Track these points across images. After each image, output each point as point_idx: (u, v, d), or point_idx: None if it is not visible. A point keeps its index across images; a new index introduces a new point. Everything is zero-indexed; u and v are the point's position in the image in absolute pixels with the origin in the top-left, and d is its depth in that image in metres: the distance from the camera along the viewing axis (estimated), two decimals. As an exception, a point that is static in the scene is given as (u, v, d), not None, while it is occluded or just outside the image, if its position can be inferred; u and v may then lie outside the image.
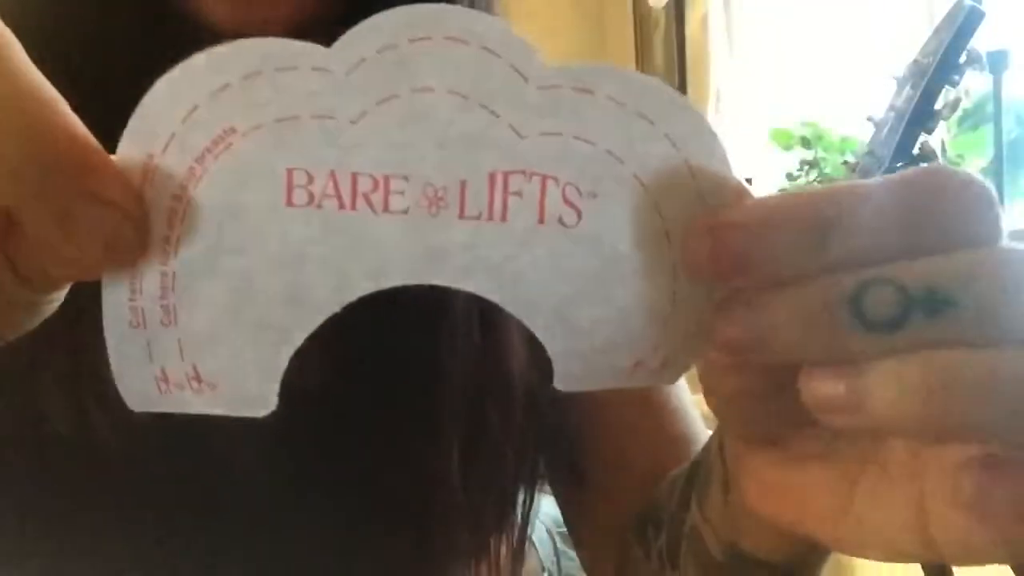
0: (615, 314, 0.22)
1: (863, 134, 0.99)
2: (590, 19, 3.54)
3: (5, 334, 0.23)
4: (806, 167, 1.68)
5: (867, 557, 0.23)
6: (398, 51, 0.20)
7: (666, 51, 2.76)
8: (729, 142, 1.98)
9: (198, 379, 0.22)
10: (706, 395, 0.25)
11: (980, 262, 0.19)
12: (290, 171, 0.20)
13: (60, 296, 0.22)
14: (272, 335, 0.21)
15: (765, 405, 0.23)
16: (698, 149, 0.21)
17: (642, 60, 3.01)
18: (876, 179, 0.19)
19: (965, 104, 1.34)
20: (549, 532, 1.39)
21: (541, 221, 0.21)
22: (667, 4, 2.64)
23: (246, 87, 0.20)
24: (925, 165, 0.23)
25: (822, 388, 0.19)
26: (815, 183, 1.67)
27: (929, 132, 0.81)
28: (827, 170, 1.64)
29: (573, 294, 0.22)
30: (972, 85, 1.31)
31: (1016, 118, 1.31)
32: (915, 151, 0.81)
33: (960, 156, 1.36)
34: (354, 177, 0.20)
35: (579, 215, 0.21)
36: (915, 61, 0.83)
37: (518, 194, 0.21)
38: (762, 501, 0.25)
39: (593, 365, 0.23)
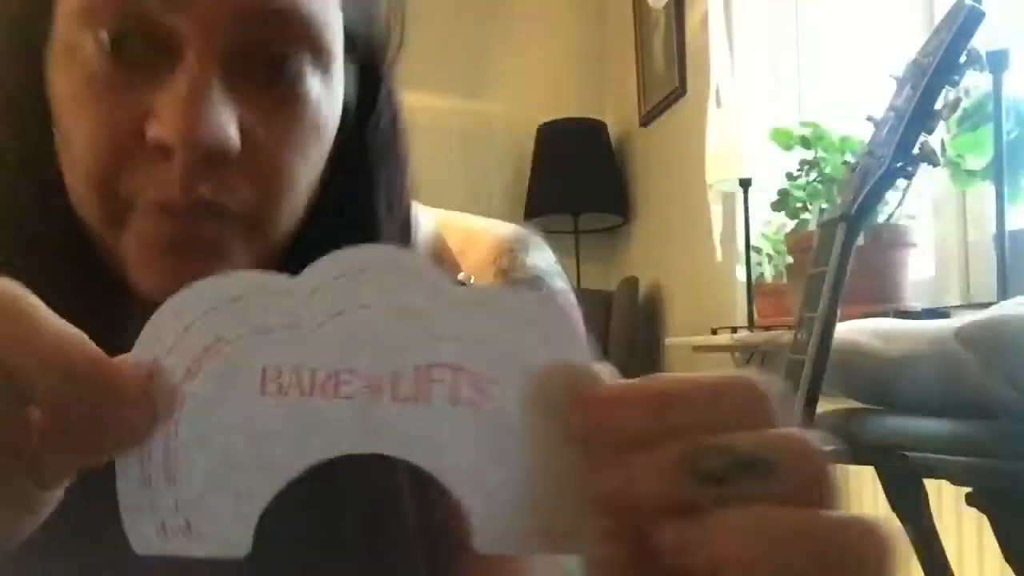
0: (521, 476, 0.28)
1: (863, 134, 0.99)
2: (590, 19, 3.54)
3: (9, 543, 0.29)
4: (806, 167, 1.68)
5: None
6: (347, 278, 0.28)
7: (666, 51, 2.76)
8: (729, 142, 1.98)
9: (189, 529, 0.28)
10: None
11: (784, 436, 0.26)
12: (264, 368, 0.28)
13: (59, 495, 0.29)
14: (248, 494, 0.28)
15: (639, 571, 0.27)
16: (572, 348, 0.29)
17: (642, 60, 3.01)
18: (701, 377, 0.27)
19: (965, 104, 1.34)
20: None
21: (456, 402, 0.28)
22: (667, 4, 2.64)
23: (232, 307, 0.28)
24: (734, 376, 0.28)
25: (672, 534, 0.25)
26: (815, 183, 1.67)
27: (929, 132, 0.81)
28: (827, 170, 1.64)
29: (484, 461, 0.28)
30: (972, 85, 1.31)
31: (1016, 118, 1.31)
32: (915, 151, 0.81)
33: (960, 156, 1.36)
34: (312, 372, 0.28)
35: (486, 397, 0.28)
36: (915, 61, 0.83)
37: (439, 381, 0.28)
38: None
39: (506, 528, 0.28)
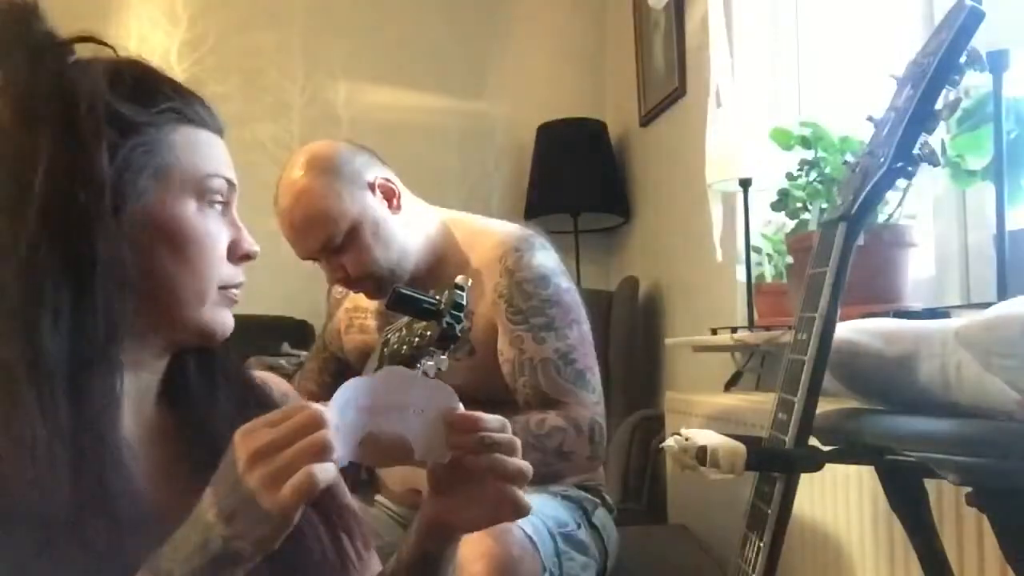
0: (433, 438, 0.76)
1: (863, 134, 0.99)
2: (590, 19, 3.54)
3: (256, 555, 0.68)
4: (806, 167, 1.68)
5: (471, 531, 0.83)
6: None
7: (666, 51, 2.76)
8: (729, 142, 1.98)
9: None
10: (428, 478, 0.80)
11: (507, 437, 0.78)
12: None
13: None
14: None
15: (452, 478, 0.78)
16: (441, 399, 0.77)
17: (642, 60, 3.01)
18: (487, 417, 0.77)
19: (965, 104, 1.34)
20: (551, 532, 1.40)
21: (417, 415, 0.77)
22: (667, 4, 2.64)
23: (367, 405, 0.74)
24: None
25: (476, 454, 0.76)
26: (815, 183, 1.67)
27: (929, 132, 0.81)
28: (827, 170, 1.64)
29: (422, 432, 0.76)
30: (972, 85, 1.31)
31: (1016, 118, 1.31)
32: (915, 151, 0.81)
33: (960, 156, 1.36)
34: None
35: (425, 416, 0.76)
36: (915, 61, 0.83)
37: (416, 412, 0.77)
38: (442, 516, 0.80)
39: (425, 452, 0.76)
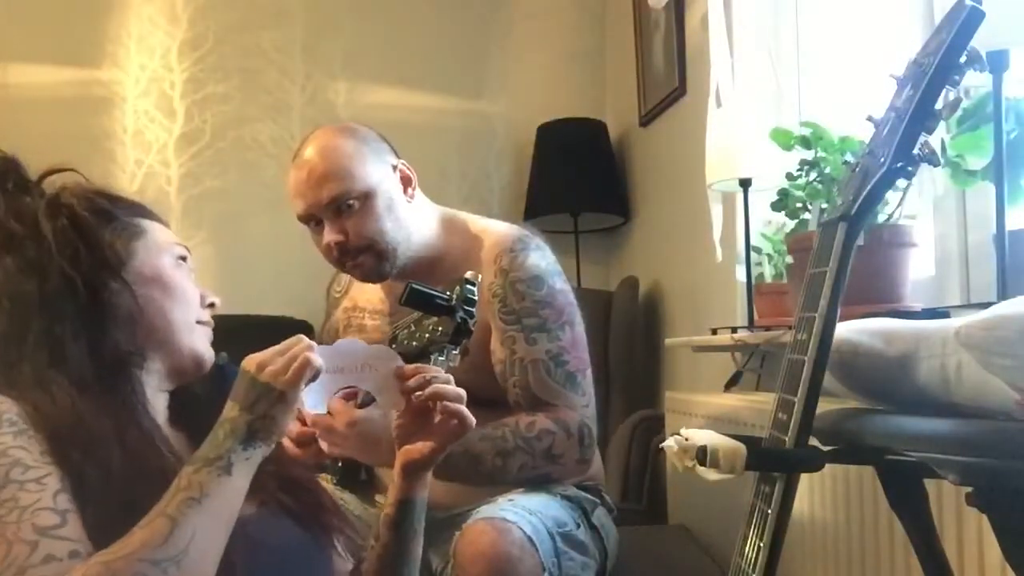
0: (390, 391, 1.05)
1: (863, 134, 0.99)
2: (590, 19, 3.54)
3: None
4: (806, 167, 1.68)
5: (435, 460, 1.08)
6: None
7: (666, 51, 2.76)
8: (729, 142, 1.98)
9: None
10: (395, 433, 1.09)
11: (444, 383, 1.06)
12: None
13: None
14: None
15: (412, 426, 1.07)
16: (387, 359, 1.05)
17: (642, 60, 3.01)
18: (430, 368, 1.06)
19: (965, 104, 1.34)
20: (550, 532, 1.39)
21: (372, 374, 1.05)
22: (667, 4, 2.64)
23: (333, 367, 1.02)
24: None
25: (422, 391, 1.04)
26: (815, 183, 1.67)
27: (929, 132, 0.81)
28: (827, 170, 1.64)
29: (383, 387, 1.05)
30: (972, 85, 1.31)
31: (1016, 118, 1.31)
32: (915, 151, 0.81)
33: (960, 156, 1.36)
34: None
35: (379, 372, 1.05)
36: (915, 61, 0.83)
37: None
38: (410, 460, 1.07)
39: (386, 403, 1.07)
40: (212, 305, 1.12)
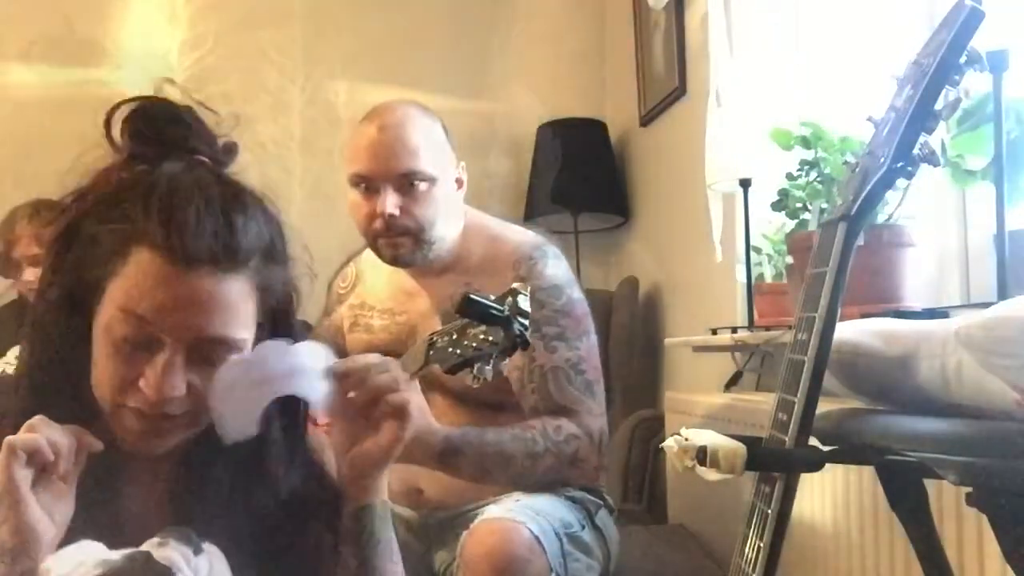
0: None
1: (863, 134, 0.99)
2: (590, 19, 3.54)
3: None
4: (806, 167, 1.68)
5: (387, 458, 0.95)
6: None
7: (666, 51, 2.76)
8: (729, 142, 1.98)
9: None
10: (335, 438, 0.98)
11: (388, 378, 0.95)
12: None
13: None
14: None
15: (358, 426, 0.95)
16: (321, 357, 0.92)
17: (642, 60, 3.01)
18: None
19: (965, 104, 1.34)
20: (557, 533, 1.39)
21: (292, 375, 0.92)
22: (667, 4, 2.64)
23: (258, 378, 0.89)
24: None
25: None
26: (815, 183, 1.67)
27: (929, 132, 0.81)
28: (827, 170, 1.64)
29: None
30: (972, 85, 1.30)
31: (1016, 118, 1.31)
32: (915, 151, 0.81)
33: (960, 156, 1.36)
34: None
35: (302, 376, 0.91)
36: (915, 61, 0.83)
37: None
38: (352, 468, 0.95)
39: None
40: None
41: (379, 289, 1.69)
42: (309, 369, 0.88)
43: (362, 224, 1.56)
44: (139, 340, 0.84)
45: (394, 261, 1.58)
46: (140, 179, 0.88)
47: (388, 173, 1.51)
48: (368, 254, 1.70)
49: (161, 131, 0.90)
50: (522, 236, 1.63)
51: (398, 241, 1.54)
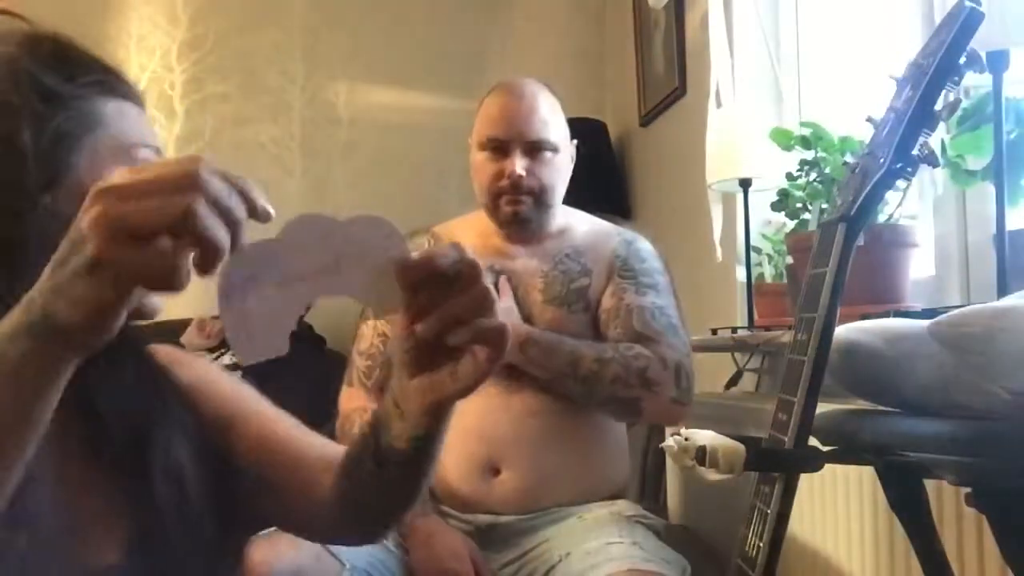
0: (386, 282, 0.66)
1: (863, 134, 0.99)
2: (590, 19, 3.54)
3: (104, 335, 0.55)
4: (806, 167, 1.68)
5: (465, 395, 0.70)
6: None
7: (666, 51, 2.76)
8: (729, 142, 1.98)
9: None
10: (395, 358, 0.72)
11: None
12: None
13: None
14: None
15: (422, 357, 0.68)
16: (377, 238, 0.64)
17: (642, 60, 3.01)
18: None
19: (965, 104, 1.34)
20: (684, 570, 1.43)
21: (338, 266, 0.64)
22: (667, 4, 2.64)
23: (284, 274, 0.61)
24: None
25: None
26: (815, 183, 1.67)
27: (929, 133, 0.81)
28: (827, 170, 1.64)
29: (372, 280, 0.65)
30: (972, 85, 1.31)
31: (1016, 118, 1.31)
32: (915, 152, 0.81)
33: (960, 156, 1.36)
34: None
35: (352, 267, 0.64)
36: (915, 62, 0.83)
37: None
38: (420, 397, 0.70)
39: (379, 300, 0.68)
40: None
41: (472, 249, 1.69)
42: (364, 259, 0.64)
43: (486, 183, 1.65)
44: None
45: (514, 217, 1.64)
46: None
47: (522, 137, 1.62)
48: (444, 227, 1.76)
49: None
50: (610, 225, 1.78)
51: (521, 198, 1.62)
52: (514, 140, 1.62)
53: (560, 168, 1.65)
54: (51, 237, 0.59)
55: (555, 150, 1.64)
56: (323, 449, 0.88)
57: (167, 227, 0.51)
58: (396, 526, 0.92)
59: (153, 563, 0.75)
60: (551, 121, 1.64)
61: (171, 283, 0.52)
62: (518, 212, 1.63)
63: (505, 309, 1.52)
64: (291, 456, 0.87)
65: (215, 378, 0.90)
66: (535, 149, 1.62)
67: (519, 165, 1.60)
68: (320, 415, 1.68)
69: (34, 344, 0.54)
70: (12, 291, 0.59)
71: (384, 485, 0.79)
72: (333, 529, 0.89)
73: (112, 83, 0.78)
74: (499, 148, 1.63)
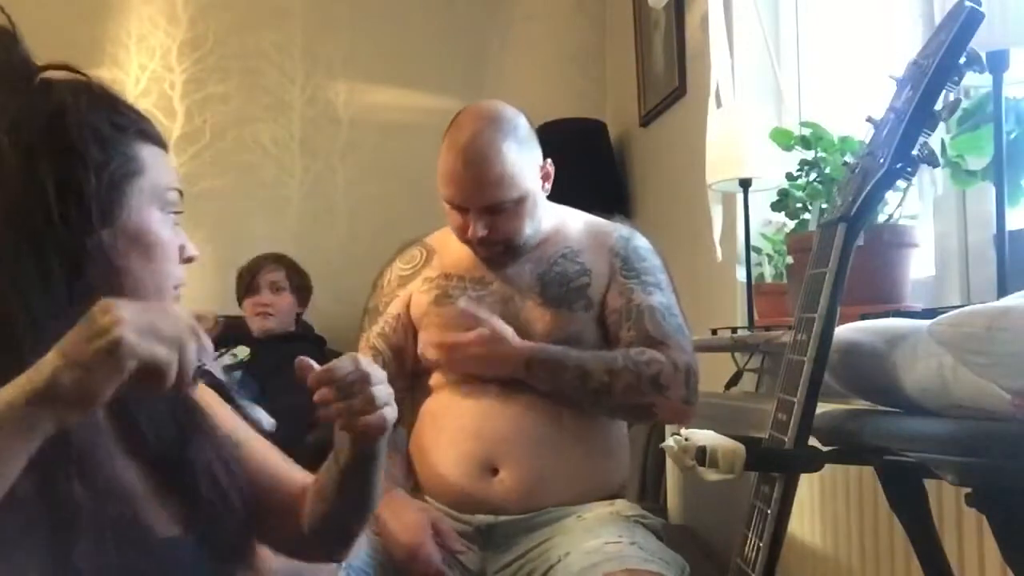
0: None
1: (863, 134, 0.99)
2: (590, 19, 3.54)
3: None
4: (806, 167, 1.68)
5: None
6: None
7: (666, 51, 2.76)
8: (729, 142, 1.98)
9: None
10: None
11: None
12: None
13: None
14: None
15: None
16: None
17: (642, 60, 3.01)
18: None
19: (965, 104, 1.34)
20: (682, 569, 1.44)
21: None
22: (667, 4, 2.64)
23: None
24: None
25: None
26: (815, 183, 1.67)
27: (929, 133, 0.81)
28: (827, 170, 1.64)
29: None
30: (972, 85, 1.31)
31: (1016, 118, 1.31)
32: (915, 152, 0.81)
33: (960, 156, 1.36)
34: None
35: None
36: (915, 62, 0.83)
37: None
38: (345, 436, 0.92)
39: None
40: (190, 259, 0.94)
41: (465, 259, 1.68)
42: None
43: (455, 232, 1.64)
44: (172, 210, 0.93)
45: (489, 262, 1.65)
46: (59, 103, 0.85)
47: (475, 205, 1.58)
48: (434, 237, 1.75)
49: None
50: (609, 223, 1.77)
51: (491, 250, 1.62)
52: (469, 207, 1.58)
53: (526, 212, 1.60)
54: (103, 266, 0.82)
55: (517, 202, 1.58)
56: (298, 475, 1.04)
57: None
58: (354, 541, 1.03)
59: (208, 540, 0.89)
60: (506, 175, 1.56)
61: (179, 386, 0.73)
62: (491, 259, 1.64)
63: (494, 334, 1.50)
64: (274, 480, 1.02)
65: (210, 402, 1.02)
66: (494, 210, 1.57)
67: (479, 228, 1.57)
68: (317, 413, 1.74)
69: (26, 408, 0.67)
70: (73, 304, 0.76)
71: (344, 493, 0.96)
72: (303, 546, 1.03)
73: (148, 130, 0.91)
74: (458, 207, 1.60)
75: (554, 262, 1.64)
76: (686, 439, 0.86)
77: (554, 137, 3.18)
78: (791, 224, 1.78)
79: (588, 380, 1.50)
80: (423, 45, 3.40)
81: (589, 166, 3.15)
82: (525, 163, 1.61)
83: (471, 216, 1.58)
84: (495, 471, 1.54)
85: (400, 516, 1.49)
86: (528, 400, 1.55)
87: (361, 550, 1.45)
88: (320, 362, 0.89)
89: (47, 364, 0.68)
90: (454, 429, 1.57)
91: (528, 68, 3.47)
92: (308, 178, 3.38)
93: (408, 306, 1.68)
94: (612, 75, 3.45)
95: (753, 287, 2.00)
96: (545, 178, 1.68)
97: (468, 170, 1.56)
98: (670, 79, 2.73)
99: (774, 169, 1.85)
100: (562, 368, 1.51)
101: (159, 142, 0.92)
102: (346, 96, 3.38)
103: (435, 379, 1.63)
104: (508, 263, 1.65)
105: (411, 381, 1.69)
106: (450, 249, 1.70)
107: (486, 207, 1.57)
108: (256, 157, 3.33)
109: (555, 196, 1.74)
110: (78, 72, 0.89)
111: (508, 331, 1.51)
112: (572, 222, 1.73)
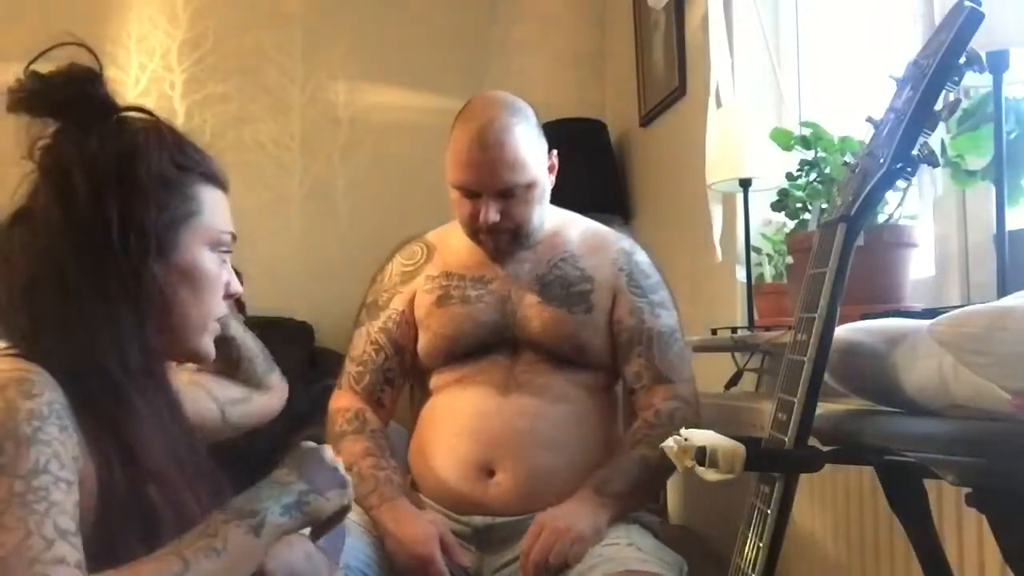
0: None
1: (863, 134, 0.99)
2: (590, 19, 3.54)
3: None
4: (806, 167, 1.68)
5: None
6: None
7: (666, 51, 2.76)
8: (729, 142, 1.98)
9: None
10: None
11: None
12: None
13: None
14: None
15: None
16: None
17: (642, 60, 3.01)
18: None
19: (965, 104, 1.34)
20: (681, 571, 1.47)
21: None
22: (667, 4, 2.64)
23: None
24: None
25: None
26: (815, 183, 1.67)
27: (929, 133, 0.81)
28: (827, 170, 1.64)
29: None
30: (972, 85, 1.30)
31: (1016, 118, 1.31)
32: (915, 152, 0.81)
33: (960, 156, 1.36)
34: None
35: None
36: (915, 62, 0.83)
37: None
38: None
39: None
40: (234, 296, 1.03)
41: (464, 257, 1.68)
42: None
43: (464, 220, 1.63)
44: (224, 251, 1.01)
45: (495, 251, 1.65)
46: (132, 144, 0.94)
47: (489, 188, 1.58)
48: (436, 234, 1.75)
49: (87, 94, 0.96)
50: (613, 233, 1.77)
51: (499, 238, 1.62)
52: (481, 191, 1.58)
53: (535, 199, 1.62)
54: (154, 296, 0.92)
55: (529, 186, 1.60)
56: None
57: None
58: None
59: None
60: (520, 159, 1.58)
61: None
62: (498, 249, 1.64)
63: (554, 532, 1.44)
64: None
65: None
66: (507, 194, 1.58)
67: (492, 213, 1.58)
68: (304, 404, 1.78)
69: (280, 532, 0.94)
70: (131, 330, 0.91)
71: None
72: None
73: (210, 172, 0.99)
74: (470, 193, 1.60)
75: (554, 265, 1.64)
76: (686, 439, 0.86)
77: (554, 137, 3.19)
78: (791, 224, 1.78)
79: (635, 495, 1.53)
80: (423, 45, 3.40)
81: (589, 166, 3.14)
82: (537, 150, 1.63)
83: (483, 201, 1.58)
84: (492, 473, 1.54)
85: (409, 526, 1.47)
86: (524, 402, 1.55)
87: (361, 551, 1.45)
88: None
89: (293, 487, 0.96)
90: (451, 431, 1.57)
91: (528, 68, 3.47)
92: (308, 178, 3.38)
93: (412, 303, 1.68)
94: (612, 75, 3.45)
95: (753, 287, 2.00)
96: (551, 170, 1.69)
97: (486, 153, 1.56)
98: (670, 79, 2.73)
99: (774, 169, 1.85)
100: (612, 513, 1.50)
101: (220, 183, 1.01)
102: (346, 96, 3.38)
103: (434, 380, 1.64)
104: (509, 260, 1.65)
105: (411, 379, 1.69)
106: (450, 247, 1.71)
107: (500, 191, 1.58)
108: (256, 157, 3.33)
109: (555, 195, 1.74)
110: (151, 114, 0.98)
111: (561, 520, 1.44)
112: (571, 226, 1.74)
